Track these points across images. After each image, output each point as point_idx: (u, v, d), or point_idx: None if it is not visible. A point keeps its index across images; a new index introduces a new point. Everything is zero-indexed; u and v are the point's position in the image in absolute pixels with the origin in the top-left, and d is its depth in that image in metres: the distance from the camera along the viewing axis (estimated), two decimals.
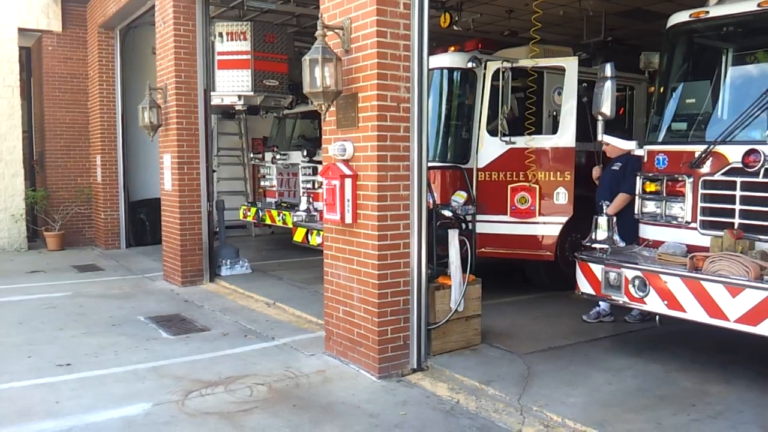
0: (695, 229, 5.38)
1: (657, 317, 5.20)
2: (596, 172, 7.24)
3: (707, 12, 5.53)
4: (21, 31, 12.76)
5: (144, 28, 12.77)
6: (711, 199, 5.29)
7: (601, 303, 6.54)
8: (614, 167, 6.81)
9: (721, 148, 5.17)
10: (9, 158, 12.69)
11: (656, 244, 5.64)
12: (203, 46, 9.39)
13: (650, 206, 5.76)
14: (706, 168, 5.30)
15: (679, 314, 4.92)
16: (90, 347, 6.30)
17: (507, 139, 7.46)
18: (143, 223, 13.42)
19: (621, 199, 6.53)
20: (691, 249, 5.24)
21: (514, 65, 7.49)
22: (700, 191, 5.33)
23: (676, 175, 5.51)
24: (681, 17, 5.76)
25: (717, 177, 5.21)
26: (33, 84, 14.53)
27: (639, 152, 5.93)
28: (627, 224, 6.18)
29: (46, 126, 13.29)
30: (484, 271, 6.34)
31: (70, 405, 4.83)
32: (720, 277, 4.65)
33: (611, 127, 6.48)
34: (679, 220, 5.50)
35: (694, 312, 4.80)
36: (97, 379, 5.39)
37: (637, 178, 5.93)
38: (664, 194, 5.61)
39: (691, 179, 5.38)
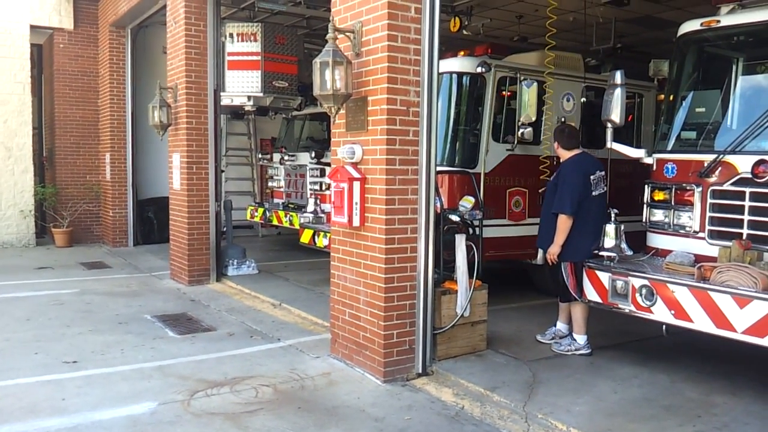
0: (703, 238, 5.35)
1: (664, 326, 5.18)
2: None
3: (719, 21, 5.51)
4: (33, 28, 12.85)
5: (155, 28, 12.83)
6: (719, 208, 5.26)
7: (558, 323, 6.37)
8: (552, 178, 6.30)
9: (730, 158, 5.15)
10: (19, 154, 12.77)
11: (664, 253, 5.62)
12: (214, 46, 9.44)
13: (658, 215, 5.74)
14: (715, 177, 5.27)
15: (686, 324, 4.89)
16: (97, 345, 6.34)
17: (509, 145, 7.56)
18: (151, 222, 13.48)
19: (561, 224, 5.86)
20: (698, 259, 5.22)
21: (524, 73, 7.49)
22: (709, 201, 5.31)
23: (684, 184, 5.49)
24: (692, 26, 5.74)
25: (726, 187, 5.19)
26: (44, 81, 14.62)
27: (648, 160, 5.90)
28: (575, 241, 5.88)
29: (56, 123, 13.37)
30: (490, 276, 6.34)
31: (77, 402, 4.85)
32: (728, 288, 4.62)
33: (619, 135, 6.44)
34: (687, 229, 5.47)
35: (701, 322, 4.78)
36: (103, 377, 5.41)
37: (566, 188, 5.83)
38: (673, 203, 5.59)
39: (700, 188, 5.36)
